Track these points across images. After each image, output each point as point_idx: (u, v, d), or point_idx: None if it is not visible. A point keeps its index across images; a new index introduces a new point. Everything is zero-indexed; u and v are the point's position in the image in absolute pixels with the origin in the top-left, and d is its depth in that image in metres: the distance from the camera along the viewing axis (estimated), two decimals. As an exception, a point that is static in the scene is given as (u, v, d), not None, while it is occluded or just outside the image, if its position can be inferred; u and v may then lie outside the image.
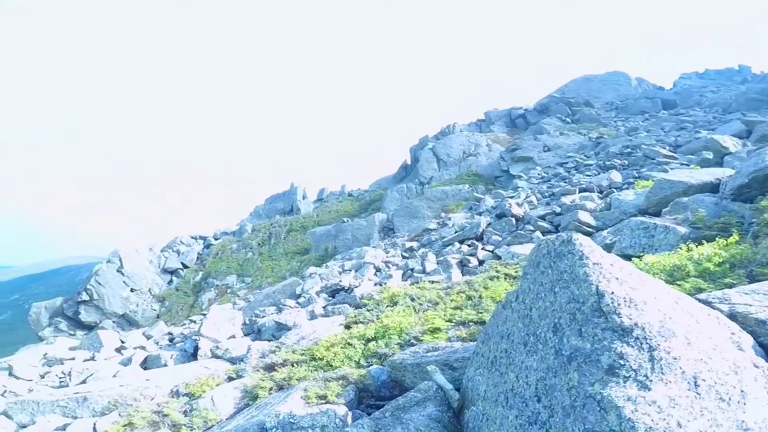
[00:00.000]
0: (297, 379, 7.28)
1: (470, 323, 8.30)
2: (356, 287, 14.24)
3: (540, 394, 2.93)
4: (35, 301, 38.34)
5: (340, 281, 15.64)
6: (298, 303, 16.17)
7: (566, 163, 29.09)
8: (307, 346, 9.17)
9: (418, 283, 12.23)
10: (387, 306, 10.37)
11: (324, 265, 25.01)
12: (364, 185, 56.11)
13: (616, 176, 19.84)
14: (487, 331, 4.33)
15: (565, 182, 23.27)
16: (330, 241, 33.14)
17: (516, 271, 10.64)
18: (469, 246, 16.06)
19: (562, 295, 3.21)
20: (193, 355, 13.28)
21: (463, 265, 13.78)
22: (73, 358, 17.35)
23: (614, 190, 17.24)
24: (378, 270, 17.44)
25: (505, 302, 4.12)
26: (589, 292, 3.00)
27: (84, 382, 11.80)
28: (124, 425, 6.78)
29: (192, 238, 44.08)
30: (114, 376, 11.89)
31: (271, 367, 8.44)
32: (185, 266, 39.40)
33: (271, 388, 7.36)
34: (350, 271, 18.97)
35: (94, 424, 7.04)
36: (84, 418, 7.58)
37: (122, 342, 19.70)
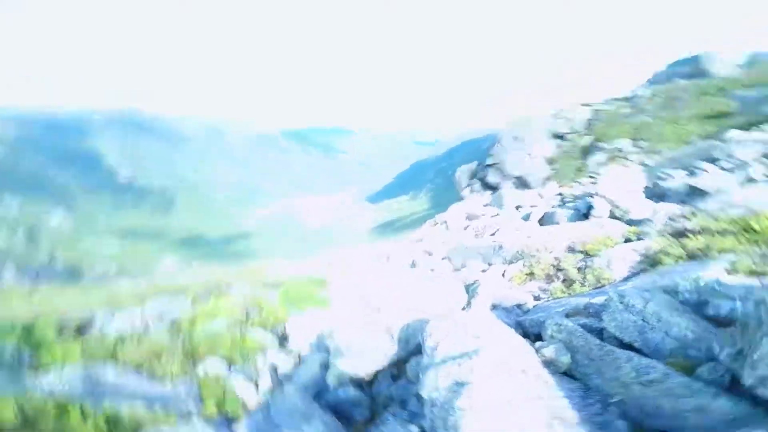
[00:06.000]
0: (719, 251, 5.85)
1: None
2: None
3: None
4: (457, 167, 49.25)
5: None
6: (721, 168, 12.79)
7: None
8: (735, 215, 7.10)
9: None
10: None
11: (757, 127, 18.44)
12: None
13: None
14: None
15: None
16: (769, 103, 23.86)
17: None
18: None
19: None
20: (585, 215, 13.36)
21: None
22: (484, 214, 21.58)
23: None
24: None
25: None
26: None
27: (493, 234, 14.49)
28: (527, 274, 7.78)
29: (581, 105, 43.94)
30: (516, 230, 13.87)
31: (680, 234, 7.19)
32: (574, 131, 39.93)
33: (679, 257, 6.32)
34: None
35: (504, 270, 8.46)
36: (496, 264, 9.26)
37: (520, 201, 22.55)
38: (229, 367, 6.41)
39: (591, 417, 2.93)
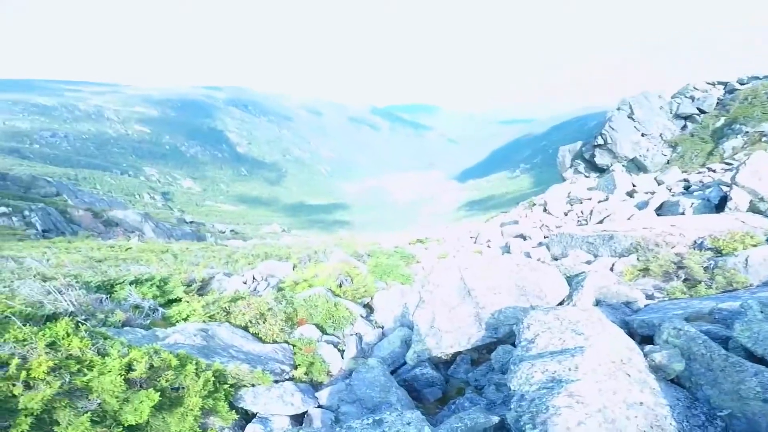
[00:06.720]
0: None
1: None
2: None
3: None
4: (560, 146, 45.61)
5: None
6: None
7: None
8: None
9: None
10: None
11: None
12: None
13: None
14: None
15: None
16: None
17: None
18: None
19: None
20: (718, 207, 11.57)
21: None
22: (590, 198, 19.60)
23: None
24: None
25: None
26: None
27: (601, 222, 13.05)
28: (641, 270, 6.90)
29: (708, 83, 38.82)
30: (628, 218, 12.36)
31: None
32: (702, 111, 35.09)
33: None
34: None
35: (613, 264, 7.59)
36: (603, 257, 8.32)
37: (633, 186, 20.09)
38: (321, 333, 6.81)
39: (692, 429, 2.85)
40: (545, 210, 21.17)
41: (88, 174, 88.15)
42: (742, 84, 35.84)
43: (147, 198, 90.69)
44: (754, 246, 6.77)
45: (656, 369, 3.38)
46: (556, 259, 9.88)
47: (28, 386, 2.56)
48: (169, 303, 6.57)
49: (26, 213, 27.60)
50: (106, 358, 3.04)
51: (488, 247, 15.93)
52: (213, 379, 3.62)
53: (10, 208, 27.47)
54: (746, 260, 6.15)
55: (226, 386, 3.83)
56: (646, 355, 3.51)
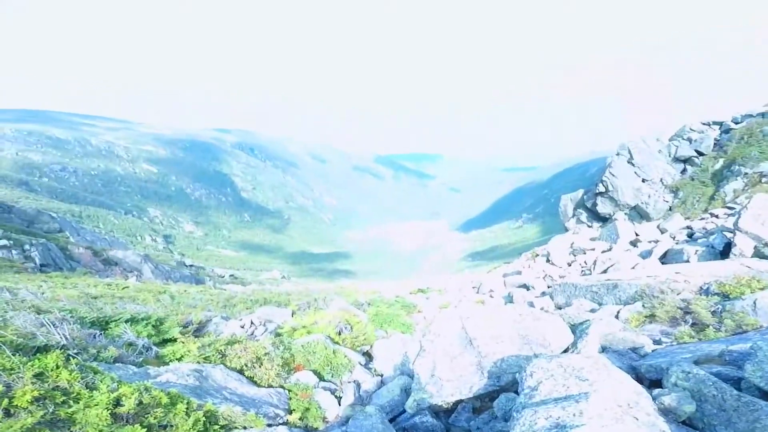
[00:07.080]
0: None
1: None
2: None
3: None
4: (562, 194, 45.87)
5: None
6: None
7: None
8: None
9: None
10: None
11: None
12: None
13: None
14: None
15: None
16: None
17: None
18: None
19: None
20: (722, 253, 11.51)
21: None
22: (593, 249, 19.54)
23: None
24: None
25: None
26: None
27: (605, 271, 12.97)
28: (646, 316, 6.78)
29: (703, 124, 39.11)
30: (633, 267, 12.26)
31: None
32: (700, 153, 35.11)
33: None
34: None
35: (618, 311, 7.48)
36: (608, 305, 8.20)
37: (636, 235, 20.06)
38: (318, 380, 6.60)
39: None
40: (548, 260, 21.06)
41: (92, 212, 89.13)
42: (736, 123, 36.15)
43: (148, 240, 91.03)
44: (762, 289, 6.72)
45: (666, 412, 3.31)
46: (560, 308, 9.73)
47: (8, 414, 2.47)
48: (164, 342, 6.43)
49: (26, 247, 27.79)
50: (94, 391, 2.95)
51: (491, 297, 15.72)
52: (203, 419, 3.48)
53: (11, 242, 27.72)
54: (755, 303, 6.11)
55: (216, 427, 3.67)
56: (654, 399, 3.43)
